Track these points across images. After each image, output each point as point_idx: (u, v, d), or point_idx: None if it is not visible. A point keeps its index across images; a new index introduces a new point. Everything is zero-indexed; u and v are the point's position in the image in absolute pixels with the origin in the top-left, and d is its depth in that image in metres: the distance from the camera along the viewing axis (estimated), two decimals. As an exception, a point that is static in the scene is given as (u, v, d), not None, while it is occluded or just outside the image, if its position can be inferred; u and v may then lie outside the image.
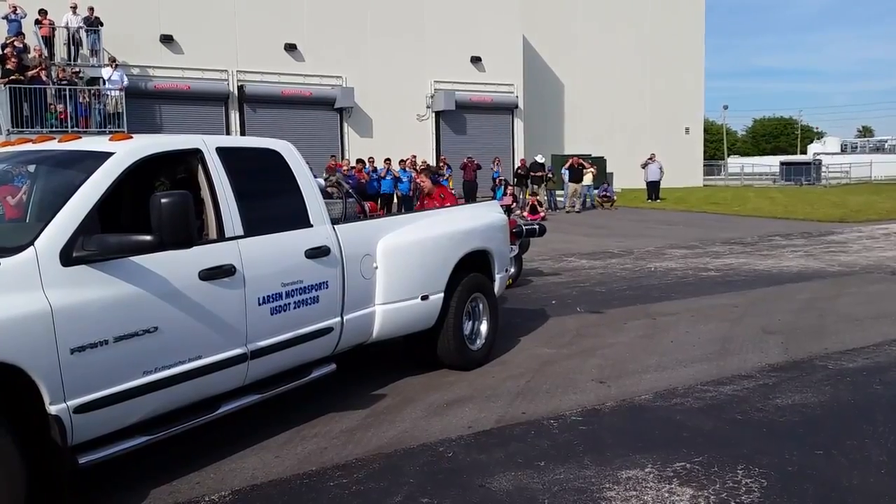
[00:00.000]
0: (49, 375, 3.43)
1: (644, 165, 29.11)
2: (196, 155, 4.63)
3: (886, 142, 68.76)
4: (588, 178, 26.21)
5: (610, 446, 4.62)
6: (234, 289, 4.41)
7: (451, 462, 4.43)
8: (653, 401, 5.52)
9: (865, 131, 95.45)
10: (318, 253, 5.02)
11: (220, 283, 4.33)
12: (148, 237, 3.76)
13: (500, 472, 4.26)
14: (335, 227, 5.30)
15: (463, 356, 6.28)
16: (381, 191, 21.75)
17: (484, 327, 6.59)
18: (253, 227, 4.66)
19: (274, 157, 5.20)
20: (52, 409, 3.45)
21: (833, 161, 50.64)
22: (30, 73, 19.37)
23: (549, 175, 26.49)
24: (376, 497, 3.98)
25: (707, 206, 25.93)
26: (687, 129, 39.61)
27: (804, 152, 70.59)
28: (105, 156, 4.12)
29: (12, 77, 19.01)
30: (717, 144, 71.79)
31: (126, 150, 4.22)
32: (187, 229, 3.83)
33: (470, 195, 24.00)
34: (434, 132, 29.01)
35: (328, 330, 5.14)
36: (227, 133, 24.25)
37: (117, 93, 21.01)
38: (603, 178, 27.58)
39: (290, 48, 25.91)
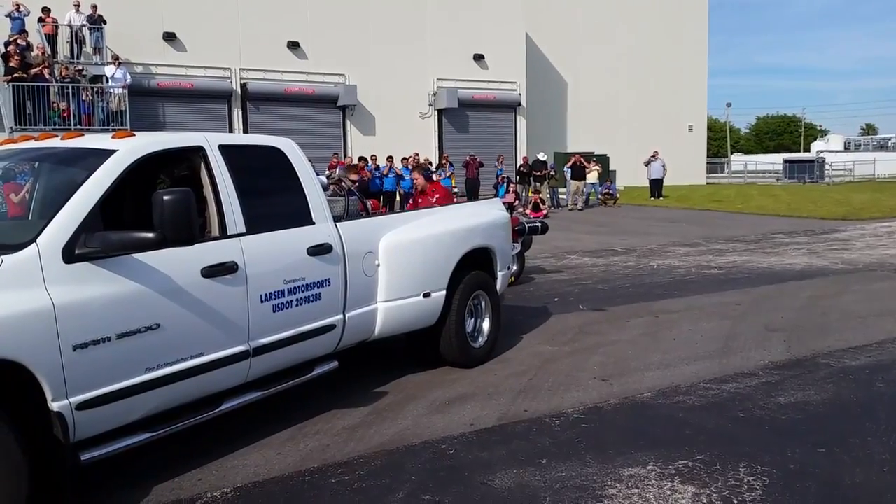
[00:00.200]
0: (51, 372, 3.44)
1: (647, 163, 29.07)
2: (198, 152, 4.63)
3: (890, 139, 68.58)
4: (593, 176, 26.24)
5: (612, 444, 4.62)
6: (236, 286, 4.42)
7: (452, 459, 4.44)
8: (655, 398, 5.52)
9: (869, 129, 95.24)
10: (320, 250, 5.02)
11: (222, 281, 4.33)
12: (150, 234, 3.75)
13: (502, 469, 4.27)
14: (337, 224, 5.30)
15: (465, 354, 6.28)
16: (384, 188, 21.74)
17: (486, 325, 6.59)
18: (255, 224, 4.66)
19: (276, 155, 5.20)
20: (55, 406, 3.46)
21: (836, 159, 50.52)
22: (33, 71, 19.39)
23: (552, 173, 26.47)
24: (378, 494, 3.99)
25: (710, 204, 25.89)
26: (690, 127, 39.59)
27: (807, 150, 70.51)
28: (107, 153, 4.12)
29: (15, 75, 19.05)
30: (720, 142, 71.71)
31: (128, 148, 4.22)
32: (189, 226, 3.83)
33: (472, 193, 23.99)
34: (436, 130, 29.01)
35: (330, 327, 5.14)
36: (230, 131, 24.27)
37: (120, 90, 21.04)
38: (606, 175, 27.54)
39: (293, 46, 25.91)
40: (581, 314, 8.58)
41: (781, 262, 12.49)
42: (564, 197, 26.45)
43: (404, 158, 22.96)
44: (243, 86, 25.15)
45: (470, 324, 6.43)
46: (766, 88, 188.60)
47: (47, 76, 19.71)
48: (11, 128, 18.71)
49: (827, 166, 44.09)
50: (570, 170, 25.74)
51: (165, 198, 3.76)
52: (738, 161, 60.73)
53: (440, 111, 28.89)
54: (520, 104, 30.60)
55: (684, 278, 11.08)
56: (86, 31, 21.82)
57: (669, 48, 37.76)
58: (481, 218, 6.77)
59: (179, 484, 4.13)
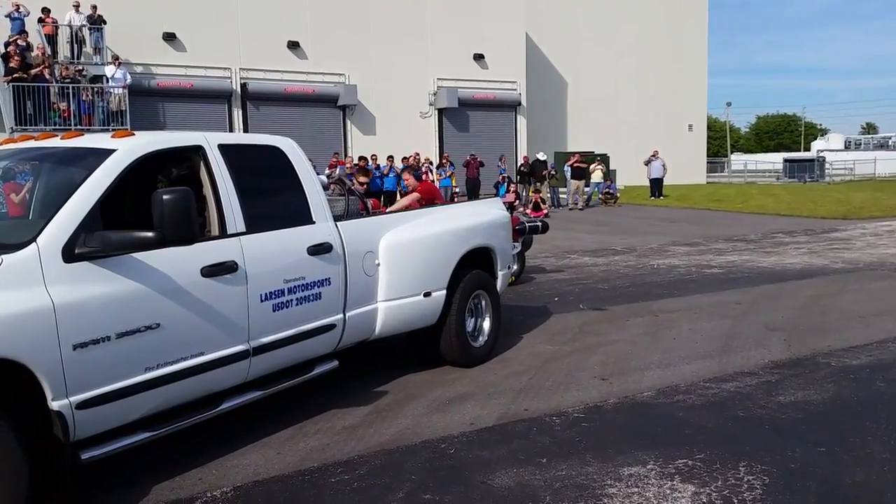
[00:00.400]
0: (51, 371, 3.44)
1: (647, 162, 29.06)
2: (198, 152, 4.63)
3: (890, 138, 68.56)
4: (598, 175, 26.30)
5: (612, 443, 4.62)
6: (236, 285, 4.41)
7: (452, 459, 4.44)
8: (655, 398, 5.52)
9: (869, 128, 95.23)
10: (320, 250, 5.02)
11: (222, 280, 4.33)
12: (150, 234, 3.75)
13: (502, 468, 4.26)
14: (338, 223, 5.30)
15: (465, 353, 6.28)
16: (384, 188, 21.75)
17: (486, 324, 6.59)
18: (255, 223, 4.66)
19: (276, 154, 5.20)
20: (55, 406, 3.46)
21: (837, 158, 50.51)
22: (33, 72, 19.39)
23: (553, 172, 26.48)
24: (378, 493, 3.99)
25: (710, 204, 25.89)
26: (690, 127, 39.60)
27: (808, 149, 70.50)
28: (107, 153, 4.12)
29: (16, 75, 19.05)
30: (720, 142, 71.71)
31: (128, 147, 4.22)
32: (189, 226, 3.83)
33: (473, 192, 24.00)
34: (437, 130, 29.01)
35: (330, 327, 5.14)
36: (230, 131, 24.26)
37: (120, 90, 21.05)
38: (606, 175, 27.54)
39: (293, 46, 25.90)
40: (581, 313, 8.58)
41: (781, 262, 12.49)
42: (565, 197, 26.45)
43: (405, 158, 22.96)
44: (243, 86, 25.15)
45: (470, 323, 6.43)
46: (766, 88, 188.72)
47: (47, 76, 19.72)
48: (12, 128, 18.71)
49: (827, 165, 44.07)
50: (570, 169, 25.75)
51: (165, 197, 3.76)
52: (737, 160, 60.75)
53: (440, 111, 28.88)
54: (520, 104, 30.59)
55: (684, 278, 11.08)
56: (86, 32, 21.81)
57: (669, 47, 37.77)
58: (482, 217, 6.77)
59: (179, 483, 4.13)
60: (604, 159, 28.49)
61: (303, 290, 4.89)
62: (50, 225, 3.65)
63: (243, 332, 4.48)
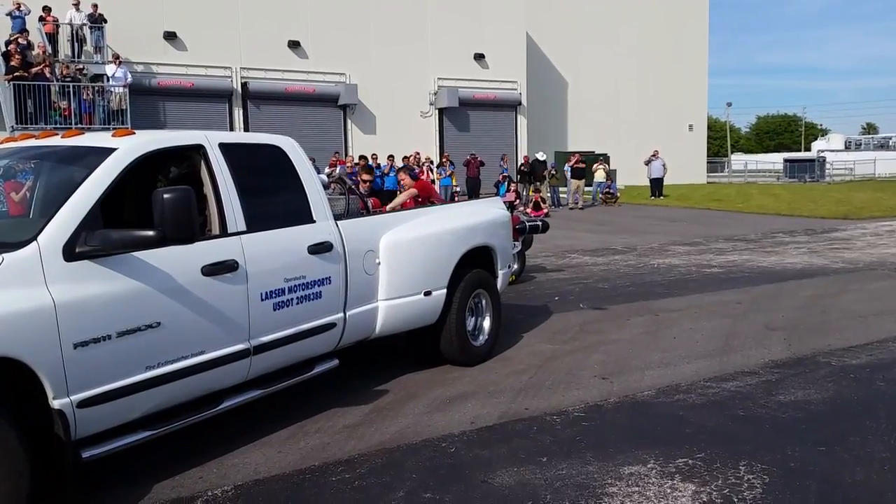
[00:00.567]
0: (52, 370, 3.44)
1: (647, 162, 29.07)
2: (199, 151, 4.63)
3: (891, 139, 68.55)
4: (600, 175, 26.34)
5: (612, 442, 4.62)
6: (236, 284, 4.42)
7: (453, 458, 4.44)
8: (655, 397, 5.52)
9: (869, 128, 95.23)
10: (320, 249, 5.02)
11: (222, 279, 4.33)
12: (150, 232, 3.75)
13: (503, 467, 4.27)
14: (338, 222, 5.31)
15: (466, 352, 6.28)
16: (385, 187, 21.73)
17: (487, 323, 6.60)
18: (255, 222, 4.66)
19: (277, 153, 5.20)
20: (56, 404, 3.46)
21: (837, 158, 50.51)
22: (33, 70, 19.40)
23: (553, 172, 26.50)
24: (378, 492, 3.99)
25: (710, 203, 25.89)
26: (690, 127, 39.59)
27: (808, 149, 70.50)
28: (108, 151, 4.12)
29: (16, 74, 19.06)
30: (720, 142, 71.70)
31: (129, 146, 4.22)
32: (190, 225, 3.83)
33: (473, 192, 24.01)
34: (437, 129, 29.02)
35: (331, 325, 5.14)
36: (231, 130, 24.27)
37: (121, 89, 21.05)
38: (608, 175, 27.55)
39: (294, 45, 25.91)
40: (582, 313, 8.58)
41: (782, 261, 12.49)
42: (565, 196, 26.47)
43: (405, 157, 22.97)
44: (244, 85, 25.15)
45: (470, 322, 6.44)
46: (766, 88, 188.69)
47: (48, 75, 19.73)
48: (12, 126, 18.71)
49: (827, 165, 44.07)
50: (570, 169, 25.76)
51: (166, 196, 3.76)
52: (738, 160, 60.72)
53: (441, 110, 28.89)
54: (520, 103, 30.60)
55: (684, 277, 11.08)
56: (86, 30, 21.82)
57: (670, 47, 37.77)
58: (482, 216, 6.77)
59: (180, 482, 4.14)
60: (604, 159, 28.52)
61: (303, 289, 4.89)
62: (51, 224, 3.65)
63: (244, 331, 4.48)
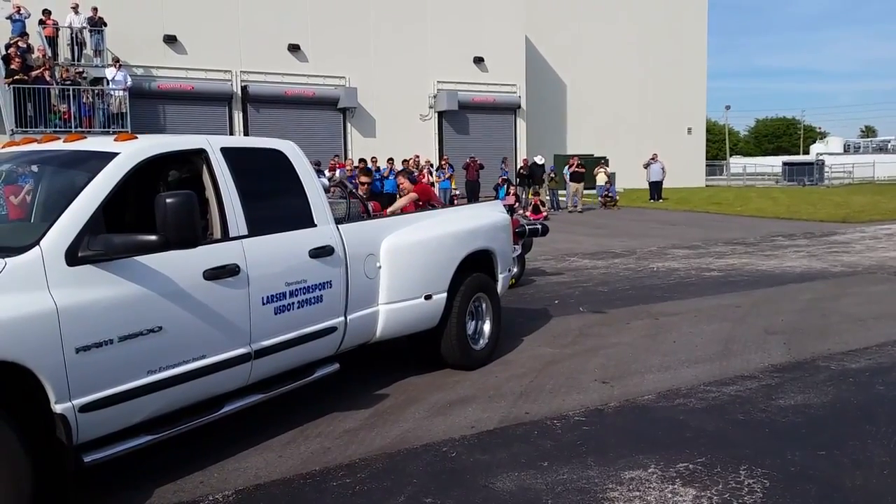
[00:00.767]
0: (54, 374, 3.45)
1: (646, 165, 29.13)
2: (200, 155, 4.64)
3: (889, 142, 68.69)
4: (601, 178, 26.41)
5: (613, 446, 4.63)
6: (238, 288, 4.42)
7: (454, 462, 4.44)
8: (656, 401, 5.52)
9: (868, 131, 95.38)
10: (321, 252, 5.03)
11: (224, 283, 4.34)
12: (153, 237, 3.76)
13: (504, 472, 4.27)
14: (339, 226, 5.31)
15: (466, 356, 6.29)
16: (385, 190, 21.75)
17: (487, 327, 6.61)
18: (257, 226, 4.67)
19: (278, 158, 5.21)
20: (58, 408, 3.47)
21: (836, 161, 50.59)
22: (33, 74, 19.43)
23: (552, 175, 26.54)
24: (379, 497, 3.99)
25: (709, 207, 25.92)
26: (689, 130, 39.63)
27: (806, 152, 70.57)
28: (110, 156, 4.13)
29: (16, 77, 19.08)
30: (719, 145, 71.77)
31: (131, 151, 4.23)
32: (192, 229, 3.84)
33: (473, 195, 24.03)
34: (437, 132, 29.05)
35: (332, 329, 5.15)
36: (231, 133, 24.30)
37: (121, 93, 21.07)
38: (607, 178, 27.56)
39: (294, 49, 25.95)
40: (581, 316, 8.59)
41: (781, 265, 12.50)
42: (564, 199, 26.48)
43: (405, 161, 22.99)
44: (244, 88, 25.18)
45: (471, 326, 6.45)
46: (765, 91, 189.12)
47: (48, 78, 19.75)
48: (12, 130, 18.73)
49: (826, 169, 44.12)
50: (569, 172, 25.79)
51: (168, 200, 3.77)
52: (736, 164, 60.80)
53: (440, 113, 28.92)
54: (519, 106, 30.64)
55: (684, 281, 11.10)
56: (86, 34, 21.84)
57: (668, 50, 37.81)
58: (482, 220, 6.78)
59: (181, 486, 4.14)
60: (604, 162, 28.55)
61: (304, 293, 4.89)
62: (53, 228, 3.66)
63: (245, 336, 4.49)
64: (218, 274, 4.30)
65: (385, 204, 9.10)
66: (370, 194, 9.18)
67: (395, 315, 5.67)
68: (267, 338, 4.62)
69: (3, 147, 4.93)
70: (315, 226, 5.14)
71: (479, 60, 29.38)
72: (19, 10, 20.53)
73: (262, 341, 4.59)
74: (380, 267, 5.57)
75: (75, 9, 21.34)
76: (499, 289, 6.83)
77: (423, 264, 5.87)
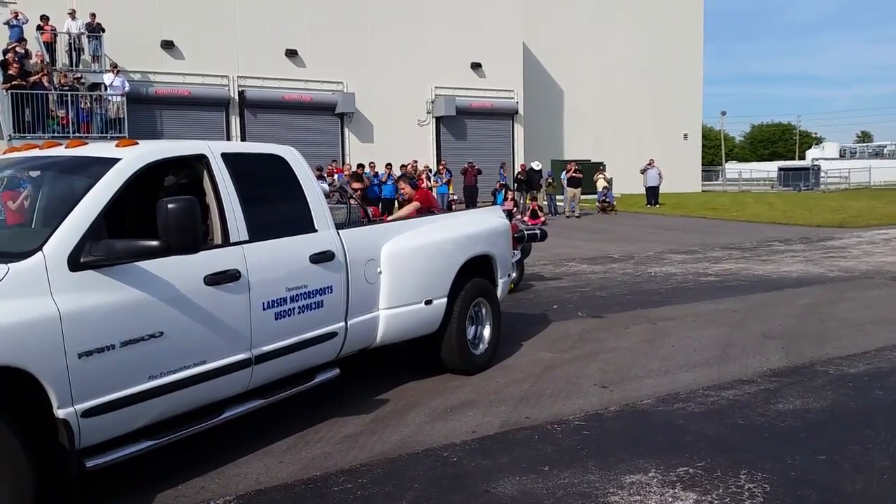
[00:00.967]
0: (57, 379, 3.45)
1: (643, 171, 29.20)
2: (201, 161, 4.65)
3: (885, 147, 68.93)
4: (601, 183, 26.51)
5: (613, 451, 4.64)
6: (238, 294, 4.43)
7: (455, 467, 4.45)
8: (655, 405, 5.54)
9: (864, 137, 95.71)
10: (322, 258, 5.04)
11: (225, 288, 4.35)
12: (155, 242, 3.76)
13: (505, 476, 4.28)
14: (339, 231, 5.33)
15: (466, 361, 6.30)
16: (383, 196, 21.79)
17: (487, 332, 6.62)
18: (258, 232, 4.68)
19: (279, 163, 5.22)
20: (60, 413, 3.47)
21: (832, 166, 50.75)
22: (32, 79, 19.43)
23: (550, 180, 26.59)
24: (381, 502, 4.00)
25: (706, 212, 25.99)
26: (685, 135, 39.77)
27: (802, 158, 70.77)
28: (112, 162, 4.14)
29: (14, 82, 19.07)
30: (714, 150, 71.93)
31: (132, 156, 4.24)
32: (194, 234, 3.84)
33: (470, 200, 24.07)
34: (434, 137, 29.10)
35: (332, 335, 5.15)
36: (228, 138, 24.31)
37: (119, 98, 21.07)
38: (607, 183, 27.60)
39: (291, 54, 26.00)
40: (580, 321, 8.61)
41: (778, 270, 12.54)
42: (562, 204, 26.53)
43: (403, 166, 23.03)
44: (241, 93, 25.20)
45: (471, 331, 6.45)
46: (761, 96, 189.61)
47: (46, 84, 19.75)
48: (10, 135, 18.72)
49: (822, 174, 44.26)
50: (566, 177, 25.84)
51: (170, 206, 3.77)
52: (732, 169, 60.97)
53: (438, 119, 28.99)
54: (517, 112, 30.71)
55: (681, 285, 11.12)
56: (84, 40, 21.86)
57: (664, 56, 37.95)
58: (482, 225, 6.80)
59: (182, 492, 4.14)
60: (602, 167, 28.60)
61: (305, 299, 4.90)
62: (56, 234, 3.67)
63: (245, 341, 4.49)
64: (219, 279, 4.31)
65: (385, 209, 9.14)
66: (365, 200, 9.22)
67: (396, 320, 5.68)
68: (267, 343, 4.63)
69: (4, 153, 4.93)
70: (316, 231, 5.16)
71: (476, 66, 29.46)
72: (17, 15, 20.55)
73: (263, 346, 4.60)
74: (380, 272, 5.58)
75: (72, 14, 21.38)
76: (498, 294, 6.85)
77: (424, 269, 5.88)
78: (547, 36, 34.02)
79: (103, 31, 21.88)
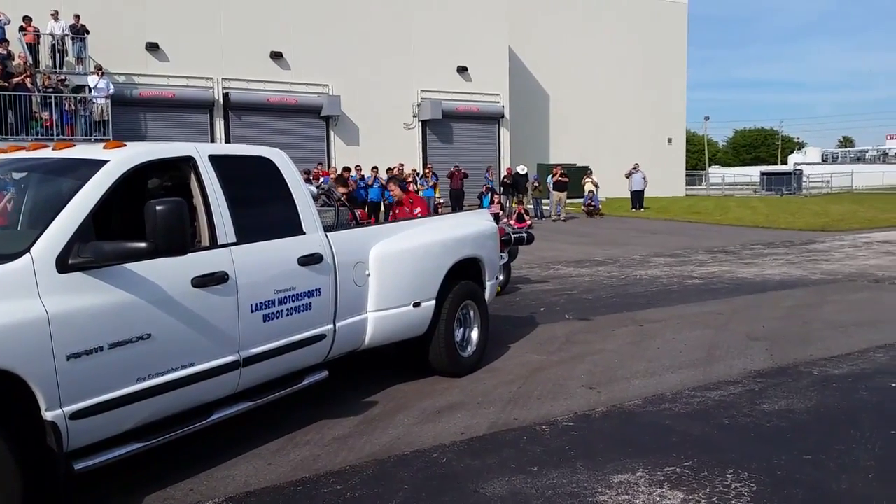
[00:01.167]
0: (45, 382, 3.43)
1: (628, 175, 29.36)
2: (189, 163, 4.64)
3: (867, 152, 69.70)
4: (590, 186, 26.64)
5: (601, 451, 4.67)
6: (226, 296, 4.42)
7: (444, 468, 4.46)
8: (642, 406, 5.57)
9: (846, 141, 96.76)
10: (310, 260, 5.04)
11: (212, 291, 4.33)
12: (143, 244, 3.75)
13: (494, 477, 4.29)
14: (328, 234, 5.32)
15: (454, 363, 6.31)
16: (369, 198, 21.77)
17: (475, 334, 6.63)
18: (246, 234, 4.67)
19: (266, 165, 5.21)
20: (48, 416, 3.45)
21: (814, 171, 51.25)
22: (14, 80, 19.27)
23: (536, 184, 26.68)
24: (370, 503, 4.00)
25: (690, 216, 26.16)
26: (670, 140, 40.05)
27: (784, 162, 71.44)
28: (100, 163, 4.12)
29: (-3, 84, 18.92)
30: (698, 155, 72.48)
31: (120, 158, 4.22)
32: (182, 236, 3.83)
33: (457, 204, 24.09)
34: (421, 141, 29.12)
35: (320, 337, 5.15)
36: (212, 140, 24.21)
37: (103, 100, 20.93)
38: (595, 186, 27.71)
39: (276, 56, 25.94)
40: (567, 323, 8.64)
41: (761, 273, 12.65)
42: (547, 208, 26.62)
43: (389, 169, 23.02)
44: (225, 95, 25.11)
45: (459, 333, 6.47)
46: (744, 102, 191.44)
47: (29, 85, 19.58)
48: (-8, 137, 18.56)
49: (804, 178, 44.67)
50: (552, 181, 25.93)
51: (158, 207, 3.76)
52: (715, 173, 61.40)
53: (424, 122, 29.01)
54: (503, 116, 30.80)
55: (666, 288, 11.19)
56: (68, 41, 21.71)
57: (649, 62, 38.21)
58: (470, 228, 6.82)
59: (171, 494, 4.12)
60: (589, 172, 28.72)
61: (293, 301, 4.89)
62: (44, 235, 3.65)
63: (233, 343, 4.48)
64: (206, 281, 4.29)
65: (370, 211, 9.18)
66: (352, 203, 9.24)
67: (384, 322, 5.68)
68: (256, 345, 4.62)
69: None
70: (304, 233, 5.15)
71: (462, 70, 29.52)
72: (-1, 16, 20.39)
73: (251, 349, 4.59)
74: (368, 275, 5.58)
75: (55, 16, 21.21)
76: (486, 296, 6.87)
77: (412, 272, 5.89)
78: (533, 40, 34.15)
79: (87, 32, 21.75)
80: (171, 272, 4.10)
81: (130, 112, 22.97)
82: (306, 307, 5.00)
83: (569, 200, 26.35)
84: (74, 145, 4.68)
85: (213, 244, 4.52)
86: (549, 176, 26.34)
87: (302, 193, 5.31)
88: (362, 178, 22.35)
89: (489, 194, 22.68)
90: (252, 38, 25.20)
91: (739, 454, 4.56)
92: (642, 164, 29.90)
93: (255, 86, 25.46)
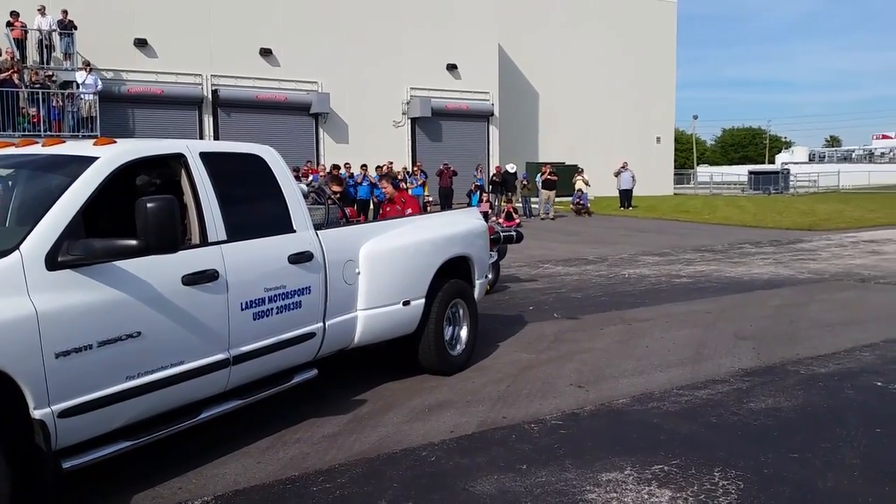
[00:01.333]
0: (34, 380, 3.42)
1: (617, 174, 29.43)
2: (179, 160, 4.63)
3: (854, 151, 70.20)
4: (580, 184, 26.67)
5: (590, 449, 4.69)
6: (216, 294, 4.41)
7: (434, 466, 4.47)
8: (630, 404, 5.60)
9: (833, 141, 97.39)
10: (300, 258, 5.04)
11: (202, 288, 4.33)
12: (133, 242, 3.73)
13: (483, 475, 4.31)
14: (318, 232, 5.32)
15: (444, 361, 6.32)
16: (358, 196, 21.74)
17: (464, 333, 6.65)
18: (236, 232, 4.67)
19: (257, 163, 5.21)
20: (37, 414, 3.44)
21: (801, 170, 51.54)
22: (1, 76, 19.11)
23: (525, 183, 26.71)
24: (360, 502, 4.01)
25: (678, 214, 26.27)
26: (658, 139, 40.18)
27: (772, 162, 71.85)
28: (90, 160, 4.11)
29: (-18, 79, 18.76)
30: (686, 154, 72.76)
31: (110, 155, 4.21)
32: (173, 234, 3.82)
33: (446, 202, 24.09)
34: (410, 139, 29.10)
35: (310, 335, 5.15)
36: (201, 137, 24.10)
37: (91, 97, 20.80)
38: (586, 184, 27.77)
39: (266, 53, 25.86)
40: (556, 322, 8.67)
41: (749, 272, 12.72)
42: (536, 206, 26.66)
43: (378, 167, 22.99)
44: (214, 92, 25.00)
45: (448, 332, 6.48)
46: (732, 101, 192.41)
47: (16, 81, 19.43)
48: (-21, 133, 18.40)
49: (792, 178, 44.92)
50: (541, 180, 25.97)
51: (149, 205, 3.75)
52: (703, 172, 61.69)
53: (413, 120, 29.00)
54: (492, 114, 30.82)
55: (655, 287, 11.25)
56: (56, 37, 21.55)
57: (638, 61, 38.31)
58: (460, 227, 6.83)
59: (159, 492, 4.12)
60: (571, 170, 28.78)
61: (283, 299, 4.89)
62: (33, 232, 3.63)
63: (223, 341, 4.48)
64: (196, 279, 4.29)
65: (359, 209, 9.18)
66: (343, 201, 9.22)
67: (374, 321, 5.69)
68: (245, 343, 4.62)
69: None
70: (294, 231, 5.15)
71: (452, 67, 29.52)
72: (-15, 11, 20.21)
73: (241, 347, 4.58)
74: (358, 273, 5.58)
75: (42, 11, 21.04)
76: (476, 295, 6.88)
77: (402, 270, 5.90)
78: (523, 39, 34.17)
79: (75, 28, 21.59)
80: (161, 270, 4.09)
81: (118, 108, 22.83)
82: (296, 305, 5.00)
83: (558, 199, 26.41)
84: (64, 142, 4.67)
85: (204, 242, 4.52)
86: (538, 174, 26.39)
87: (292, 191, 5.30)
88: (351, 175, 22.32)
89: (478, 192, 22.69)
90: (241, 35, 25.10)
91: (727, 452, 4.60)
92: (631, 163, 29.98)
93: (245, 83, 25.36)
